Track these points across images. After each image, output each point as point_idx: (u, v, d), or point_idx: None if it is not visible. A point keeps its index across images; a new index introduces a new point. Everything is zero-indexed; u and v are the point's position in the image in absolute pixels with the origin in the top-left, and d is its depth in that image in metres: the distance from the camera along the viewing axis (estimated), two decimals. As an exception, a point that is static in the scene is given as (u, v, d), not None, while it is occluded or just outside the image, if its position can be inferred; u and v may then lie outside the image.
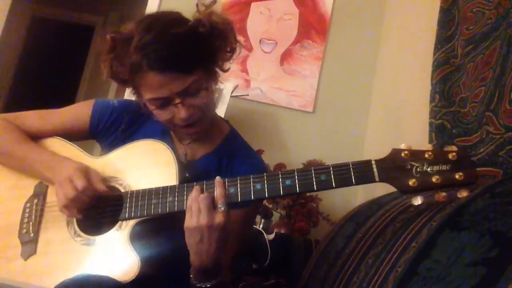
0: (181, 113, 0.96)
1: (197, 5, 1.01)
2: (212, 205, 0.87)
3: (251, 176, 0.90)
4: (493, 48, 1.12)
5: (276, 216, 2.01)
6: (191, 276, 0.93)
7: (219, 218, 0.87)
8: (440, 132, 1.28)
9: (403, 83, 1.99)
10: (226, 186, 0.90)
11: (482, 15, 1.20)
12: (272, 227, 1.94)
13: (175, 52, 0.92)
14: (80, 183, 0.94)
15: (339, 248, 1.15)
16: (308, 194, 1.99)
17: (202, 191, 0.90)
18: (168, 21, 0.96)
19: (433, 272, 0.73)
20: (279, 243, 1.76)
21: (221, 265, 0.92)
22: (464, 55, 1.26)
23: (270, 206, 1.98)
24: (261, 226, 1.92)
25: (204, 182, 0.92)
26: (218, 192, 0.89)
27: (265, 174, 0.90)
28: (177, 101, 0.95)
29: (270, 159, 2.03)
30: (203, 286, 0.92)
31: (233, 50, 1.03)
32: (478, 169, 1.04)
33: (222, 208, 0.87)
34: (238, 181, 0.91)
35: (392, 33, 2.31)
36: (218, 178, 0.90)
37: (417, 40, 1.86)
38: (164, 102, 0.96)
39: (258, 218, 1.98)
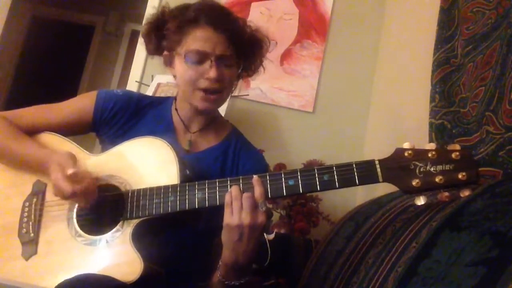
0: (212, 72, 1.02)
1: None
2: (254, 204, 0.87)
3: (254, 176, 0.90)
4: (493, 48, 1.12)
5: (276, 216, 2.01)
6: (219, 274, 0.93)
7: (261, 217, 0.87)
8: (440, 132, 1.28)
9: (403, 83, 1.99)
10: (228, 185, 0.90)
11: (482, 15, 1.20)
12: (272, 227, 1.93)
13: (231, 24, 1.06)
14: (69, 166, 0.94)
15: (339, 248, 1.15)
16: (308, 194, 1.99)
17: (240, 190, 0.89)
18: (227, 8, 1.13)
19: (433, 272, 0.73)
20: (279, 243, 1.76)
21: (252, 263, 0.92)
22: (464, 55, 1.26)
23: (270, 206, 1.98)
24: (261, 226, 1.91)
25: (206, 181, 0.92)
26: (258, 191, 0.88)
27: (267, 174, 0.90)
28: (213, 60, 1.02)
29: (270, 159, 2.01)
30: (231, 284, 0.92)
31: (256, 69, 1.17)
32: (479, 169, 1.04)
33: (264, 208, 0.88)
34: (241, 181, 0.90)
35: (392, 33, 2.30)
36: (255, 176, 0.90)
37: (417, 40, 1.86)
38: (201, 58, 1.03)
39: (258, 218, 1.97)
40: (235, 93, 2.19)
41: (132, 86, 2.39)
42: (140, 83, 2.37)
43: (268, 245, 1.69)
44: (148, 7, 2.41)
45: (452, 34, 1.37)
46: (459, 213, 0.81)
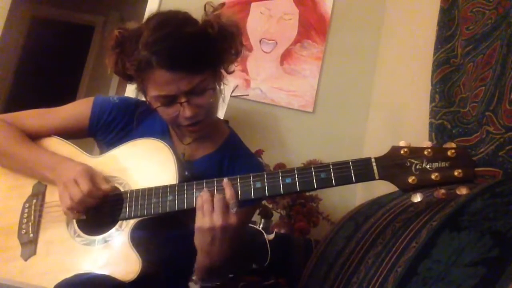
0: (186, 112, 0.96)
1: (205, 6, 1.02)
2: (225, 206, 0.88)
3: (251, 174, 0.90)
4: (493, 48, 1.12)
5: (276, 216, 2.01)
6: (195, 276, 0.93)
7: (232, 219, 0.87)
8: (440, 132, 1.28)
9: (403, 83, 1.99)
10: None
11: (482, 15, 1.20)
12: (272, 227, 1.93)
13: (185, 51, 0.93)
14: (85, 186, 0.94)
15: (339, 248, 1.15)
16: (308, 194, 1.99)
17: (212, 193, 0.89)
18: (179, 20, 0.97)
19: (433, 272, 0.73)
20: (279, 243, 1.76)
21: (228, 265, 0.92)
22: (464, 55, 1.26)
23: (270, 206, 1.98)
24: (261, 226, 1.92)
25: (205, 181, 0.92)
26: (228, 193, 0.88)
27: (265, 172, 0.90)
28: (183, 99, 0.95)
29: (270, 159, 2.03)
30: (208, 285, 0.92)
31: (238, 53, 1.04)
32: (478, 169, 1.04)
33: (234, 209, 0.88)
34: (238, 180, 0.90)
35: (392, 33, 2.30)
36: (225, 179, 0.90)
37: (417, 40, 1.86)
38: (170, 100, 0.96)
39: (258, 218, 1.98)
40: (235, 93, 2.19)
41: (132, 86, 2.38)
42: (140, 83, 2.37)
43: (268, 245, 1.69)
44: (148, 7, 2.41)
45: (452, 34, 1.37)
46: (459, 213, 0.81)
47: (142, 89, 1.02)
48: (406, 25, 2.12)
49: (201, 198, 0.89)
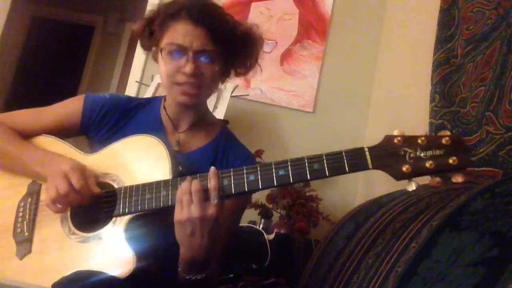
0: (188, 67, 1.01)
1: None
2: (204, 197, 0.86)
3: (244, 167, 0.89)
4: (493, 48, 1.12)
5: (276, 216, 2.01)
6: (180, 268, 0.92)
7: (211, 210, 0.86)
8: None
9: (403, 83, 1.99)
10: (220, 178, 0.89)
11: (482, 15, 1.21)
12: (272, 227, 1.94)
13: (214, 19, 1.03)
14: (76, 181, 0.94)
15: (339, 248, 1.15)
16: (308, 194, 1.99)
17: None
18: (217, 5, 1.09)
19: (433, 272, 0.73)
20: (279, 243, 1.76)
21: (212, 257, 0.91)
22: (464, 55, 1.26)
23: (270, 206, 1.98)
24: (261, 226, 1.92)
25: (198, 175, 0.91)
26: (212, 183, 0.87)
27: (258, 165, 0.90)
28: (191, 54, 1.01)
29: (270, 159, 2.01)
30: (193, 278, 0.91)
31: (251, 67, 1.13)
32: (478, 169, 1.04)
33: (215, 201, 0.86)
34: (232, 173, 0.89)
35: (392, 33, 2.31)
36: (212, 168, 0.89)
37: (417, 40, 1.86)
38: (179, 51, 1.02)
39: (258, 218, 1.98)
40: (235, 93, 2.19)
41: (132, 86, 2.39)
42: (140, 83, 2.38)
43: (268, 245, 1.69)
44: (148, 7, 2.42)
45: (452, 34, 1.38)
46: (459, 213, 0.81)
47: (157, 38, 1.08)
48: (406, 25, 2.12)
49: (181, 189, 0.88)
